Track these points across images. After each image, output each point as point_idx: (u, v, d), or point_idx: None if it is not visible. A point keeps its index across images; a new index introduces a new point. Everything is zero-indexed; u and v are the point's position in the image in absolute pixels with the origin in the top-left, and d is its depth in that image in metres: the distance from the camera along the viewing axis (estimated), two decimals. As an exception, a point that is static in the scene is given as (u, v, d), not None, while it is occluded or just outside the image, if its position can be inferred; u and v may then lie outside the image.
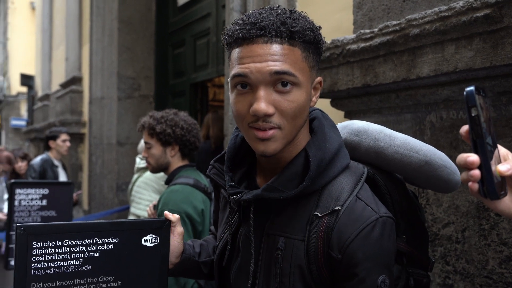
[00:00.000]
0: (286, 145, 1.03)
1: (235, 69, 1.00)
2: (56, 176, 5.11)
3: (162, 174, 2.98)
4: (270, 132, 0.99)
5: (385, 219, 1.00)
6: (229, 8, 3.03)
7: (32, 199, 3.02)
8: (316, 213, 1.01)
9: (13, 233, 2.91)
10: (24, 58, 14.77)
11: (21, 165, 5.51)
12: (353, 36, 1.86)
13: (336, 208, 1.00)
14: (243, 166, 1.18)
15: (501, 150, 0.78)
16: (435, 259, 1.71)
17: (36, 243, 1.08)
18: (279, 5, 1.06)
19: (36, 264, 1.08)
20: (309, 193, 1.04)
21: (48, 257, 1.10)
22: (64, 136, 5.14)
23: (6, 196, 4.51)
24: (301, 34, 0.99)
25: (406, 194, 1.17)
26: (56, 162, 5.20)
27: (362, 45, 1.78)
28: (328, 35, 2.06)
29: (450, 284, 1.66)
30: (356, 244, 0.96)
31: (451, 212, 1.66)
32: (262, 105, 0.96)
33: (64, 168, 5.44)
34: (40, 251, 1.09)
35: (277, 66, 0.96)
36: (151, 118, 2.35)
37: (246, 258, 1.11)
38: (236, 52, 1.01)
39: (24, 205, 2.99)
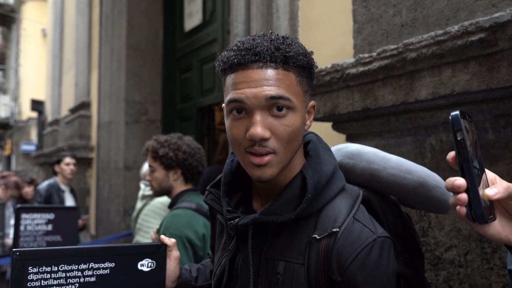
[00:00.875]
0: (282, 169, 1.04)
1: (231, 95, 1.01)
2: (62, 201, 5.12)
3: (169, 201, 2.98)
4: (266, 158, 1.00)
5: (383, 239, 1.00)
6: (233, 33, 3.07)
7: (37, 224, 3.04)
8: (315, 235, 1.01)
9: (18, 258, 2.91)
10: (35, 83, 15.02)
11: (27, 190, 5.53)
12: (352, 60, 1.88)
13: (334, 230, 1.00)
14: (240, 191, 1.18)
15: (489, 174, 0.78)
16: (439, 283, 1.69)
17: (32, 268, 1.09)
18: (271, 31, 1.08)
19: (32, 289, 1.09)
20: (306, 216, 1.04)
21: (44, 282, 1.10)
22: (67, 160, 5.15)
23: (13, 221, 4.54)
24: (295, 59, 1.00)
25: (400, 216, 1.17)
26: (63, 187, 5.22)
27: (361, 69, 1.80)
28: (330, 59, 2.08)
29: (454, 309, 1.64)
30: (355, 265, 0.96)
31: (453, 235, 1.65)
32: (259, 129, 0.97)
33: (73, 192, 5.45)
34: (36, 276, 1.09)
35: (272, 91, 0.98)
36: (155, 141, 2.38)
37: (245, 284, 1.10)
38: (231, 77, 1.02)
39: (30, 230, 3.01)
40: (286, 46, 1.01)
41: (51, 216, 3.07)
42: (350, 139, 2.06)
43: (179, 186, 2.39)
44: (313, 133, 1.17)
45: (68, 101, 8.01)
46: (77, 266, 1.13)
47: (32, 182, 5.96)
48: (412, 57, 1.58)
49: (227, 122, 1.05)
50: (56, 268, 1.11)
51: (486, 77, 1.40)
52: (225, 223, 1.13)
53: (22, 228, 2.98)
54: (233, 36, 3.10)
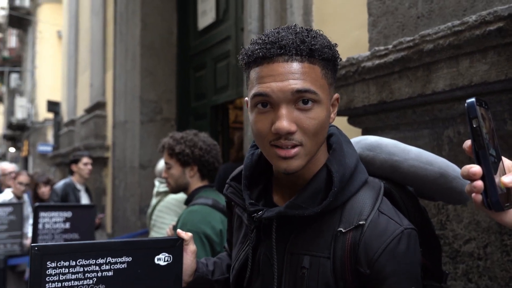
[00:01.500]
0: (308, 162, 1.03)
1: (256, 89, 1.00)
2: (78, 199, 5.16)
3: (184, 197, 2.99)
4: (293, 151, 0.99)
5: (409, 231, 1.00)
6: (247, 30, 3.07)
7: (55, 222, 3.06)
8: (340, 229, 1.01)
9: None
10: (51, 85, 15.18)
11: (44, 190, 5.57)
12: (367, 53, 1.86)
13: (361, 222, 0.99)
14: (260, 184, 1.17)
15: (506, 162, 0.77)
16: (457, 276, 1.67)
17: (51, 263, 1.10)
18: (295, 24, 1.07)
19: (50, 284, 1.09)
20: (332, 210, 1.03)
21: (62, 277, 1.11)
22: (85, 160, 5.19)
23: (31, 221, 4.59)
24: (320, 52, 0.99)
25: (418, 207, 1.17)
26: (79, 186, 5.26)
27: (377, 62, 1.78)
28: (345, 53, 2.06)
29: (474, 303, 1.61)
30: (384, 258, 0.96)
31: (472, 228, 1.62)
32: (285, 123, 0.97)
33: (88, 191, 5.49)
34: (54, 271, 1.10)
35: (298, 84, 0.97)
36: (171, 138, 2.38)
37: (268, 278, 1.09)
38: (256, 71, 1.01)
39: (48, 228, 3.04)
40: (311, 39, 1.00)
41: (68, 214, 3.09)
42: (366, 132, 2.05)
43: (196, 182, 2.39)
44: (334, 126, 1.16)
45: (84, 102, 8.07)
46: (94, 260, 1.14)
47: (49, 182, 5.99)
48: (429, 48, 1.56)
49: (251, 116, 1.04)
50: (74, 263, 1.12)
51: (505, 66, 1.37)
52: (248, 216, 1.12)
53: (40, 226, 3.01)
54: (247, 33, 3.09)
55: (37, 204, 3.33)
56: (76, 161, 5.23)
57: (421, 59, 1.61)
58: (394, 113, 1.84)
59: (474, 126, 0.74)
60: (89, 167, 5.22)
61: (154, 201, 3.42)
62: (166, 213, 3.24)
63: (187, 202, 2.38)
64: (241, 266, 1.17)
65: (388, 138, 1.19)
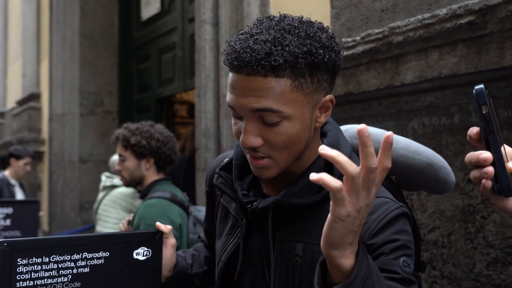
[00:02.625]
0: (284, 169, 1.00)
1: (227, 96, 0.97)
2: (12, 195, 4.93)
3: (129, 191, 2.91)
4: (262, 162, 0.97)
5: (405, 209, 0.98)
6: (201, 20, 3.00)
7: (-6, 219, 2.87)
8: None
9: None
10: (-25, 75, 14.22)
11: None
12: (333, 45, 1.86)
13: None
14: (249, 174, 1.14)
15: (507, 148, 0.79)
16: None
17: (22, 260, 1.01)
18: (281, 17, 0.97)
19: (21, 282, 1.01)
20: (326, 198, 1.01)
21: (34, 275, 1.02)
22: (27, 159, 5.01)
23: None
24: (291, 64, 0.90)
25: (401, 196, 1.20)
26: (13, 181, 5.02)
27: (344, 53, 1.79)
28: (306, 45, 2.07)
29: (437, 289, 1.67)
30: (381, 231, 0.93)
31: (436, 217, 1.67)
32: (247, 138, 0.94)
33: (22, 187, 5.25)
34: (26, 268, 1.01)
35: (258, 103, 0.91)
36: (126, 129, 2.28)
37: (259, 269, 1.06)
38: (229, 76, 0.97)
39: (-14, 226, 2.84)
40: (281, 48, 0.89)
41: (9, 210, 2.90)
42: (329, 125, 2.06)
43: (152, 175, 2.32)
44: None
45: (15, 93, 7.64)
46: (69, 256, 1.06)
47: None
48: (398, 40, 1.59)
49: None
50: (47, 259, 1.04)
51: (475, 59, 1.42)
52: (239, 207, 1.08)
53: (-23, 224, 2.81)
54: (199, 23, 3.02)
55: (-27, 200, 3.11)
56: (18, 156, 4.99)
57: (390, 51, 1.64)
58: (359, 105, 1.86)
59: (484, 112, 0.74)
60: (28, 168, 5.05)
61: (100, 195, 3.31)
62: (111, 207, 3.15)
63: (143, 196, 2.30)
64: (229, 259, 1.13)
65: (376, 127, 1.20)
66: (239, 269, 1.10)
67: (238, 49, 0.92)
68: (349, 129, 1.20)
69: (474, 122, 1.56)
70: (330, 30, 1.00)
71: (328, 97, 1.00)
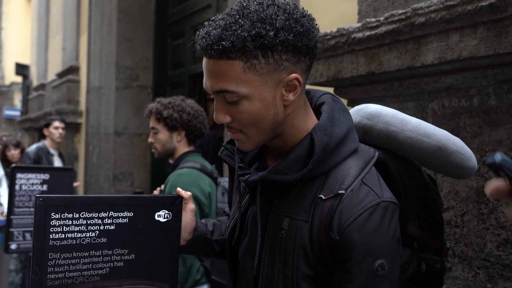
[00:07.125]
0: (261, 143, 1.08)
1: None
2: (51, 164, 5.10)
3: None
4: (236, 136, 1.07)
5: (387, 204, 1.00)
6: (232, -2, 3.06)
7: (32, 184, 3.04)
8: (321, 195, 1.02)
9: (13, 217, 2.94)
10: (18, 47, 14.67)
11: (14, 153, 5.45)
12: (358, 24, 1.90)
13: (340, 191, 1.00)
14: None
15: None
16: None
17: (55, 214, 1.12)
18: (248, 3, 1.01)
19: (54, 234, 1.11)
20: (314, 176, 1.05)
21: (65, 228, 1.13)
22: (56, 123, 5.14)
23: (4, 184, 4.52)
24: (237, 47, 0.96)
25: (421, 179, 1.16)
26: (52, 151, 5.20)
27: (368, 33, 1.82)
28: (333, 25, 2.10)
29: (449, 267, 1.71)
30: (354, 226, 0.97)
31: (451, 197, 1.71)
32: (217, 115, 1.04)
33: (61, 156, 5.44)
34: (58, 222, 1.12)
35: (215, 85, 1.01)
36: (158, 103, 2.39)
37: (253, 238, 1.14)
38: None
39: (25, 190, 3.01)
40: (232, 32, 0.95)
41: (46, 176, 3.07)
42: (352, 104, 2.10)
43: (183, 147, 2.42)
44: (329, 93, 1.16)
45: (55, 66, 7.89)
46: (97, 214, 1.16)
47: (19, 145, 5.89)
48: (420, 21, 1.61)
49: None
50: (77, 215, 1.14)
51: (494, 42, 1.44)
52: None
53: (17, 187, 2.98)
54: (233, 0, 3.08)
55: (13, 165, 3.29)
56: (47, 125, 5.17)
57: (411, 32, 1.66)
58: (381, 85, 1.90)
59: None
60: (60, 131, 5.16)
61: None
62: None
63: (174, 167, 2.40)
64: (233, 225, 1.21)
65: (389, 108, 1.19)
66: (236, 236, 1.20)
67: (202, 34, 1.00)
68: (362, 109, 1.20)
69: (493, 105, 1.58)
70: (306, 13, 1.03)
71: (293, 76, 1.02)
